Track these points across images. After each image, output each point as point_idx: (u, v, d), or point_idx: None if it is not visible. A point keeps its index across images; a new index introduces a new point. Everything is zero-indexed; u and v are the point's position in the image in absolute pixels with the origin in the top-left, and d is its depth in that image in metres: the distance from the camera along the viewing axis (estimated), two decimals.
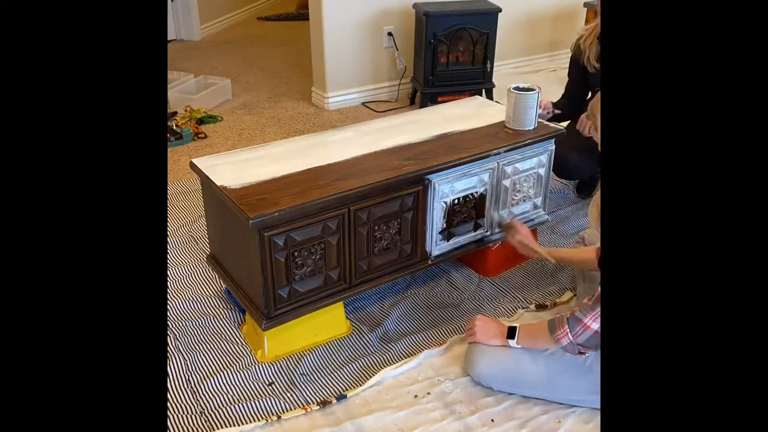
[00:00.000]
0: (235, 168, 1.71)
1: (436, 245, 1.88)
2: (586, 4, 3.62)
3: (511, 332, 1.53)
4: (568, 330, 1.37)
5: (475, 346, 1.59)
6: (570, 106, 2.43)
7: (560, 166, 2.25)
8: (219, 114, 3.43)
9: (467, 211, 1.89)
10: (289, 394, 1.61)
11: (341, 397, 1.58)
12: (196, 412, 1.55)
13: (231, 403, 1.57)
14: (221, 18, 5.33)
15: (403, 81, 3.63)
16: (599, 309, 1.31)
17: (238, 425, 1.51)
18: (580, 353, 1.39)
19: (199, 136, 3.16)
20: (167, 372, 1.66)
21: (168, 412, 1.55)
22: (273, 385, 1.63)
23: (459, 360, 1.70)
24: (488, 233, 1.98)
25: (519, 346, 1.52)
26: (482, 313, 1.82)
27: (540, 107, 2.05)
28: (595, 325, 1.33)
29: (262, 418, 1.53)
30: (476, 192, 1.87)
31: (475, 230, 1.94)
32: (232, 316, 1.88)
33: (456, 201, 1.84)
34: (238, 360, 1.71)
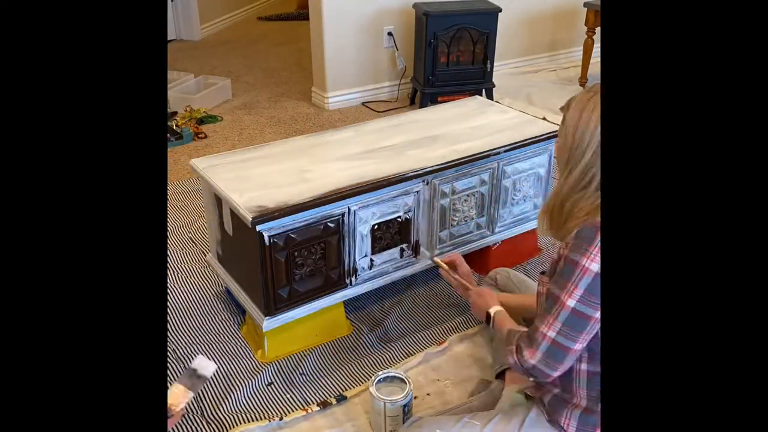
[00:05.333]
0: (235, 168, 1.71)
1: (437, 245, 1.88)
2: (586, 4, 3.61)
3: (488, 318, 1.41)
4: (514, 352, 1.19)
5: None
6: None
7: None
8: (219, 114, 3.43)
9: (467, 210, 1.89)
10: (288, 395, 1.60)
11: (341, 398, 1.58)
12: (196, 412, 1.55)
13: (231, 404, 1.57)
14: (221, 18, 5.33)
15: (403, 81, 3.63)
16: (537, 335, 1.14)
17: (239, 425, 1.51)
18: (529, 375, 1.21)
19: (199, 136, 3.16)
20: (167, 372, 1.66)
21: (168, 412, 1.54)
22: (272, 386, 1.63)
23: (459, 360, 1.70)
24: (489, 233, 1.98)
25: (493, 330, 1.45)
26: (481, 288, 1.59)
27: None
28: (534, 359, 1.14)
29: (263, 419, 1.53)
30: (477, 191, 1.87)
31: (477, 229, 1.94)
32: (232, 317, 1.88)
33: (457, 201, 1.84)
34: (238, 360, 1.71)
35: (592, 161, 1.12)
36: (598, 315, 1.07)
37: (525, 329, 1.22)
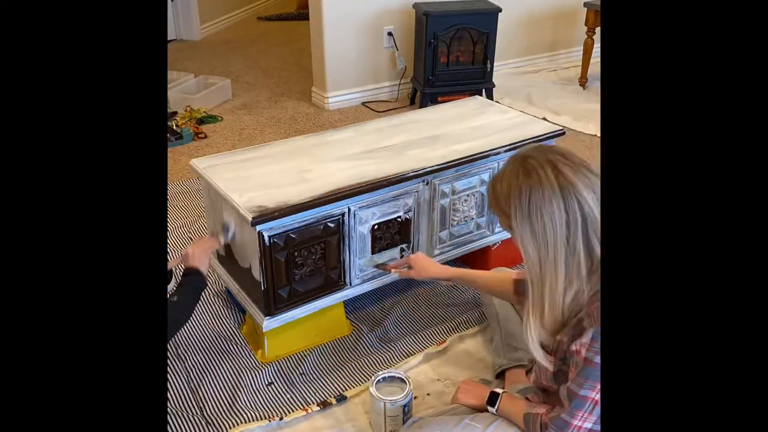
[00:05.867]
0: (235, 168, 1.71)
1: (437, 245, 1.88)
2: (586, 4, 3.61)
3: (492, 399, 1.30)
4: None
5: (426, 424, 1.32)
6: None
7: None
8: (219, 114, 3.43)
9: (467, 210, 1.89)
10: (288, 395, 1.60)
11: (341, 398, 1.58)
12: (196, 412, 1.55)
13: (231, 404, 1.57)
14: (221, 18, 5.33)
15: (403, 81, 3.63)
16: (571, 427, 1.11)
17: (238, 425, 1.51)
18: None
19: (199, 136, 3.16)
20: (167, 372, 1.66)
21: (167, 412, 1.55)
22: (272, 386, 1.63)
23: (459, 360, 1.70)
24: (489, 233, 1.98)
25: (496, 413, 1.28)
26: (469, 379, 1.54)
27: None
28: None
29: (263, 419, 1.53)
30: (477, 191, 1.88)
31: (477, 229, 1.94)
32: (232, 316, 1.88)
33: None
34: (238, 360, 1.71)
35: (567, 257, 1.06)
36: None
37: (542, 410, 1.20)
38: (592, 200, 1.04)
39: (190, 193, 2.59)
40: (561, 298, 1.09)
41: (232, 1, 5.52)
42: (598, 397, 1.09)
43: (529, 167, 1.07)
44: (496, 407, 1.29)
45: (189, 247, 1.63)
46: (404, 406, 1.43)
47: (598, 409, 1.10)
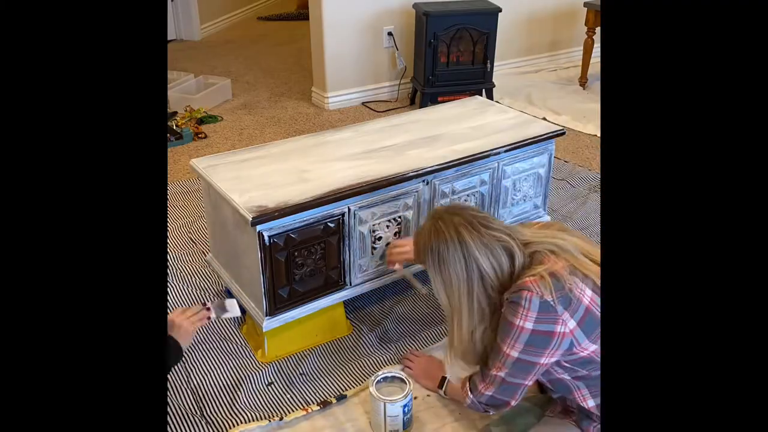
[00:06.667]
0: (235, 168, 1.71)
1: None
2: (586, 4, 3.61)
3: (441, 383, 1.53)
4: (468, 390, 1.34)
5: None
6: None
7: None
8: (219, 114, 3.43)
9: None
10: (288, 395, 1.60)
11: (341, 398, 1.58)
12: (196, 413, 1.55)
13: (231, 404, 1.57)
14: (221, 18, 5.33)
15: (403, 81, 3.63)
16: (490, 374, 1.28)
17: (238, 425, 1.51)
18: (485, 411, 1.36)
19: (199, 136, 3.16)
20: (167, 372, 1.66)
21: (168, 412, 1.55)
22: (272, 386, 1.63)
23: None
24: None
25: (446, 396, 1.52)
26: (430, 356, 1.68)
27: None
28: (489, 391, 1.30)
29: (263, 419, 1.53)
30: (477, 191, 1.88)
31: None
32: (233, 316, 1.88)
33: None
34: (238, 360, 1.71)
35: (470, 304, 1.24)
36: (542, 360, 1.22)
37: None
38: (486, 262, 1.21)
39: (190, 193, 2.59)
40: (468, 335, 1.28)
41: (232, 1, 5.51)
42: (511, 352, 1.23)
43: (439, 228, 1.25)
44: (444, 390, 1.51)
45: (177, 313, 1.46)
46: (404, 406, 1.43)
47: (510, 362, 1.24)
